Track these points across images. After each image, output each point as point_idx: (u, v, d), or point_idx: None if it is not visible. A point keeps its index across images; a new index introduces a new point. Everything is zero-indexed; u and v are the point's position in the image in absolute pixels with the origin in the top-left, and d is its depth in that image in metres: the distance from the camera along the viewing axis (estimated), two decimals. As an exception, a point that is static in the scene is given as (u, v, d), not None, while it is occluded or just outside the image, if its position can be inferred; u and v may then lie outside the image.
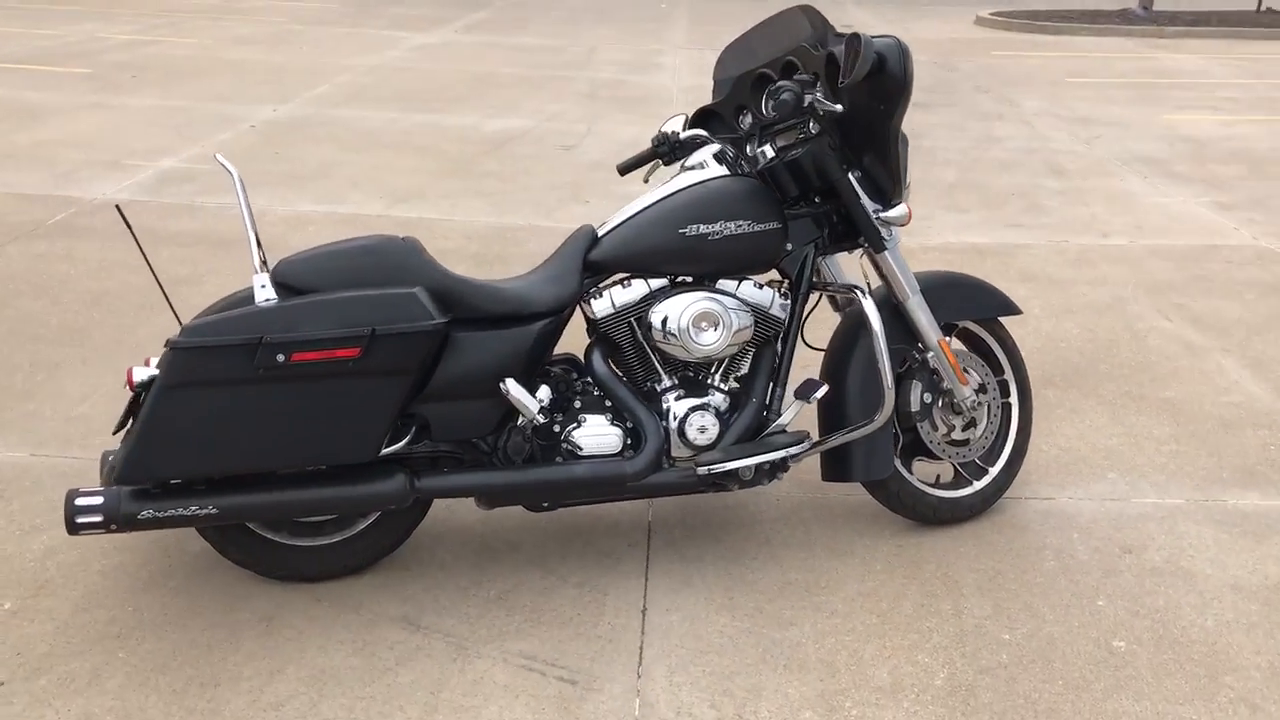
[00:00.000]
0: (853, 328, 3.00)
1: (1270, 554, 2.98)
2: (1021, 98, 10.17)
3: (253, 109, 8.22)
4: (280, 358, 2.46)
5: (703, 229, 2.78)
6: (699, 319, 2.77)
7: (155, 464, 2.48)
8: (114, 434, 2.76)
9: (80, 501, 2.52)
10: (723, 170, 2.88)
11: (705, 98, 8.71)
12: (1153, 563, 2.93)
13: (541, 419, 2.72)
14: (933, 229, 5.91)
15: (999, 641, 2.61)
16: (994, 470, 3.15)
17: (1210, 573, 2.90)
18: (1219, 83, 11.24)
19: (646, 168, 3.20)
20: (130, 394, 2.90)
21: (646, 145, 3.50)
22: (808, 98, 2.74)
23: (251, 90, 8.95)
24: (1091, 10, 17.38)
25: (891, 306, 2.98)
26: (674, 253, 2.79)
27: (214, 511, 2.56)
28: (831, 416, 2.96)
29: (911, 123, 8.89)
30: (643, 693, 2.44)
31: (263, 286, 2.55)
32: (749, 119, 3.01)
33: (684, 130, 3.09)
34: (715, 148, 2.95)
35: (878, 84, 2.67)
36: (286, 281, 2.58)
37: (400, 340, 2.52)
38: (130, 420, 2.65)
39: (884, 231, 2.89)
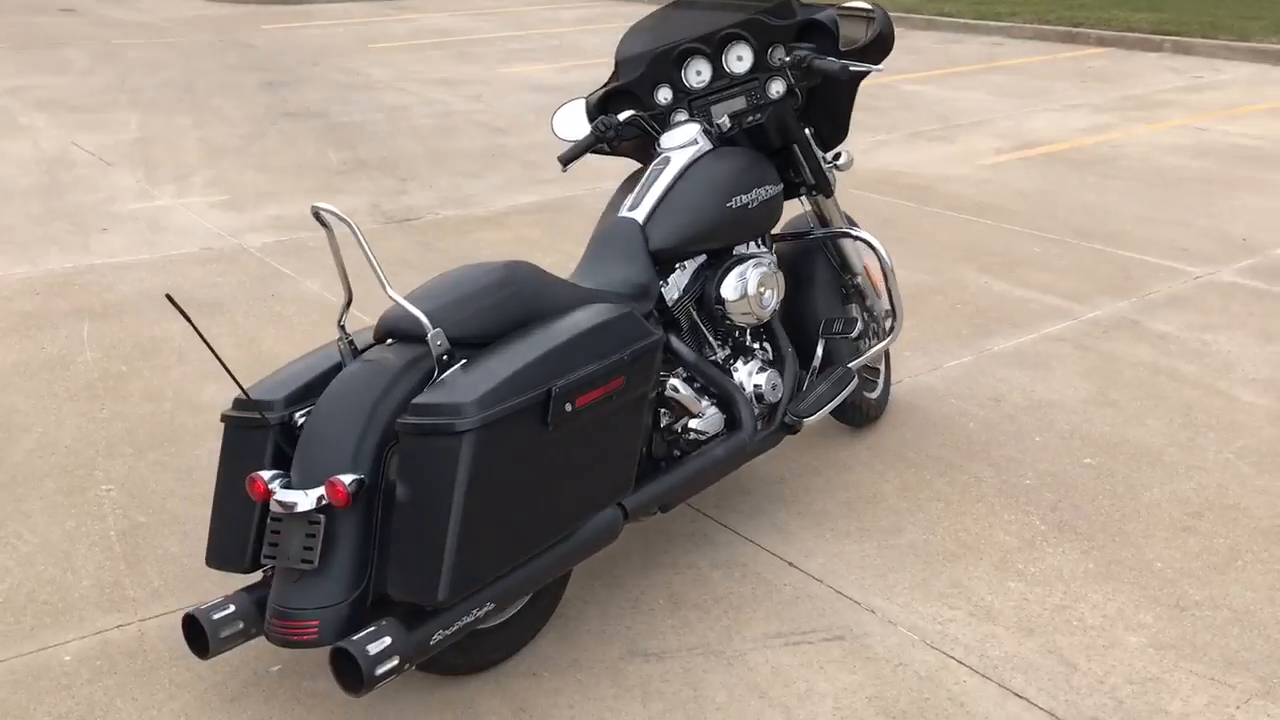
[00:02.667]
0: (805, 266, 3.28)
1: (1041, 375, 3.88)
2: (356, 66, 10.40)
3: None
4: (568, 407, 2.17)
5: (743, 199, 2.88)
6: (761, 283, 2.88)
7: (478, 569, 2.09)
8: (254, 569, 2.24)
9: (372, 649, 1.97)
10: (707, 144, 2.97)
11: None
12: (1018, 402, 3.66)
13: (696, 415, 2.72)
14: (486, 199, 6.11)
15: (1024, 485, 3.17)
16: (883, 370, 3.65)
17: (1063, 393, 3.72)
18: (497, 36, 12.43)
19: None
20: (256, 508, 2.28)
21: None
22: (799, 56, 2.94)
23: None
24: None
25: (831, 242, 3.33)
26: (724, 226, 2.86)
27: (490, 607, 2.16)
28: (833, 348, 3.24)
29: (304, 100, 8.75)
30: (896, 619, 2.58)
31: (439, 344, 2.20)
32: (666, 93, 3.09)
33: (621, 115, 3.07)
34: (698, 124, 3.01)
35: (873, 45, 2.99)
36: (457, 335, 2.25)
37: (646, 360, 2.37)
38: (268, 548, 2.11)
39: (831, 178, 3.21)
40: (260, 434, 2.28)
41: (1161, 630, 2.52)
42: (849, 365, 3.14)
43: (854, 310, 3.39)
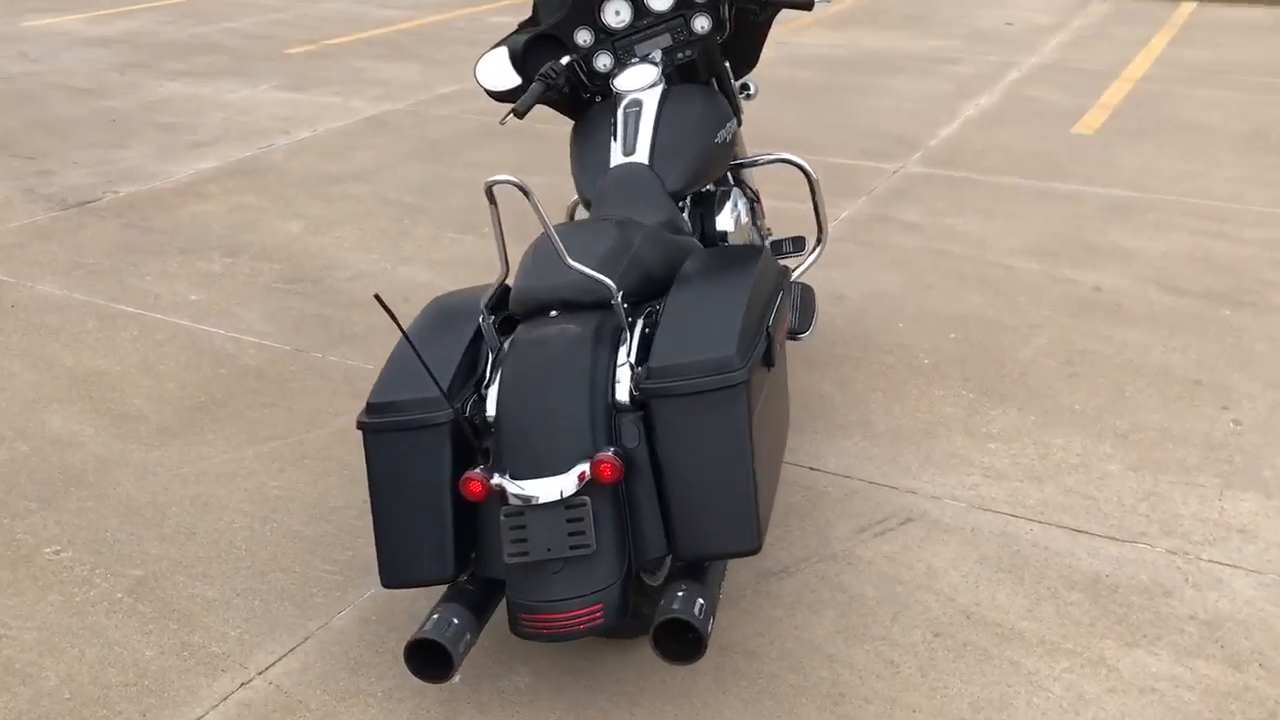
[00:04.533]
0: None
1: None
2: None
3: None
4: (778, 345, 2.25)
5: (723, 133, 2.98)
6: (750, 213, 3.01)
7: (766, 510, 2.16)
8: (459, 574, 2.13)
9: (700, 614, 1.95)
10: (663, 84, 3.02)
11: None
12: (857, 297, 4.09)
13: None
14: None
15: (926, 365, 3.60)
16: None
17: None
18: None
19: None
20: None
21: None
22: None
23: None
24: None
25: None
26: (716, 162, 2.96)
27: None
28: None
29: None
30: (938, 493, 2.91)
31: (626, 306, 2.21)
32: (586, 35, 3.10)
33: (563, 60, 3.02)
34: (655, 65, 3.03)
35: None
36: (629, 288, 2.24)
37: (787, 289, 2.46)
38: (512, 545, 2.02)
39: (741, 108, 3.38)
40: (431, 433, 2.12)
41: (1124, 456, 3.08)
42: (797, 280, 3.38)
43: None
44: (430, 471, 2.13)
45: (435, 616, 2.07)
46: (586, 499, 2.03)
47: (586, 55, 3.07)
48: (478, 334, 2.30)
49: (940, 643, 2.41)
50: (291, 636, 2.43)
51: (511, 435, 2.10)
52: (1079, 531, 2.77)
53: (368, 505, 2.82)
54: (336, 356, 3.67)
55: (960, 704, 2.24)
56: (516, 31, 3.18)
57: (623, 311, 2.21)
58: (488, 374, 2.24)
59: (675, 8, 3.09)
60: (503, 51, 3.13)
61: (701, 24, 3.11)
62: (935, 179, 5.29)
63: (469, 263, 4.40)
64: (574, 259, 2.26)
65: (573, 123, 3.10)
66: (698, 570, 2.10)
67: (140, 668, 2.34)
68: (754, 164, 3.45)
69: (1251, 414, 3.26)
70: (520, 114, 2.98)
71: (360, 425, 2.17)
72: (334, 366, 3.61)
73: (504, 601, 2.12)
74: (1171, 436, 3.16)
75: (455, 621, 2.07)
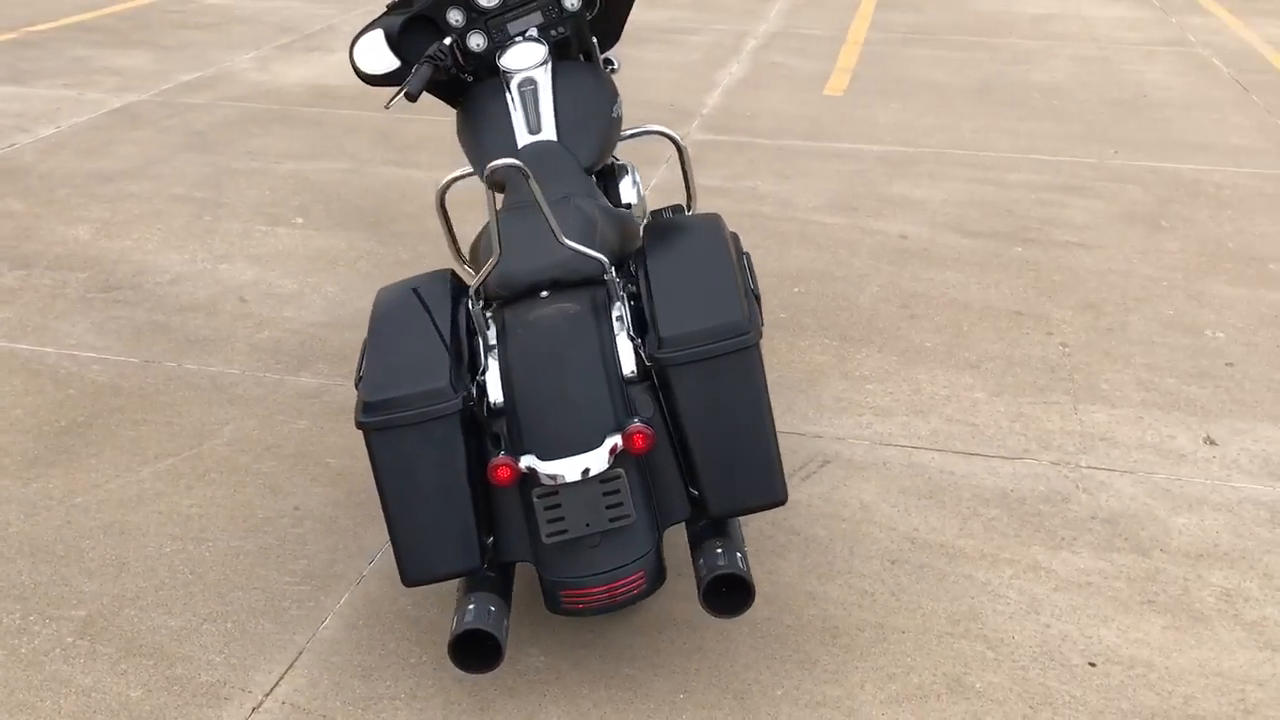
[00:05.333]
0: None
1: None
2: None
3: None
4: (759, 303, 2.38)
5: (616, 108, 3.04)
6: (639, 187, 3.09)
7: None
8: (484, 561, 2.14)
9: (745, 567, 2.05)
10: (550, 60, 3.04)
11: None
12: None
13: None
14: None
15: (783, 318, 3.80)
16: None
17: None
18: None
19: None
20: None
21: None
22: None
23: None
24: None
25: None
26: (614, 137, 3.01)
27: None
28: None
29: None
30: (841, 435, 3.12)
31: (619, 281, 2.31)
32: (457, 15, 3.08)
33: (446, 41, 2.99)
34: (542, 42, 3.03)
35: None
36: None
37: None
38: (550, 525, 2.06)
39: None
40: (441, 424, 2.11)
41: (984, 385, 3.41)
42: None
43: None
44: (445, 463, 2.11)
45: (472, 607, 2.07)
46: (621, 471, 2.09)
47: (460, 35, 3.06)
48: (454, 320, 2.28)
49: (899, 569, 2.62)
50: (283, 653, 2.33)
51: (531, 417, 2.12)
52: (973, 455, 3.07)
53: (299, 512, 2.75)
54: (194, 364, 3.47)
55: (939, 620, 2.46)
56: (387, 13, 3.11)
57: (617, 286, 2.26)
58: (484, 359, 2.23)
59: None
60: (378, 34, 3.06)
61: (572, 1, 3.15)
62: (722, 144, 5.53)
63: (292, 255, 4.24)
64: (549, 236, 2.29)
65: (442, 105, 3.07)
66: (722, 527, 2.20)
67: (131, 710, 2.19)
68: (628, 136, 3.54)
69: (1073, 336, 3.69)
70: (413, 97, 2.93)
71: (361, 425, 2.11)
72: (195, 375, 3.41)
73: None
74: (1015, 363, 3.53)
75: (492, 609, 2.08)
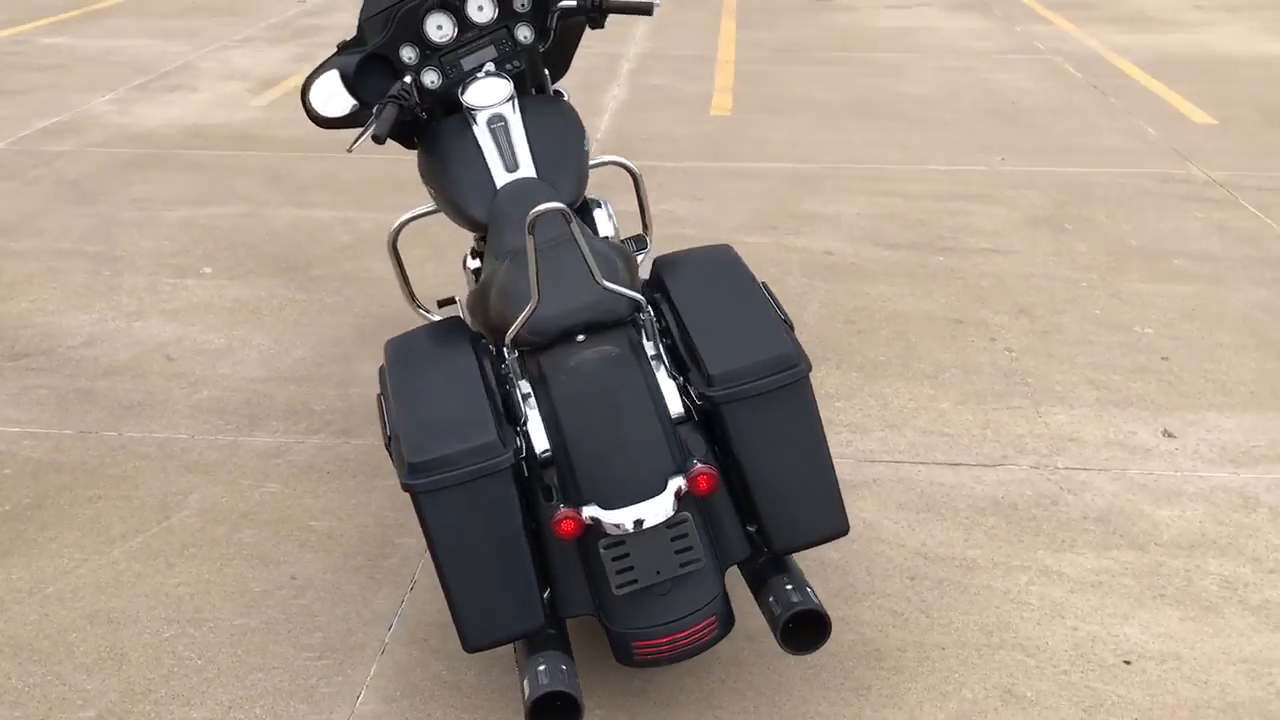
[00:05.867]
0: None
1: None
2: None
3: None
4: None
5: (585, 142, 2.98)
6: (614, 220, 3.04)
7: None
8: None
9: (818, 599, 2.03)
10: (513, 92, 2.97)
11: None
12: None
13: None
14: None
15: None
16: None
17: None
18: None
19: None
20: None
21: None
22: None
23: None
24: None
25: None
26: (586, 169, 2.94)
27: None
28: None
29: None
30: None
31: (654, 319, 2.30)
32: (410, 52, 2.99)
33: (407, 79, 2.89)
34: (506, 78, 2.95)
35: None
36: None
37: None
38: (619, 576, 2.00)
39: None
40: (494, 481, 2.03)
41: (946, 394, 3.48)
42: None
43: None
44: (501, 521, 2.03)
45: (542, 667, 2.00)
46: (688, 514, 2.04)
47: (415, 73, 2.97)
48: (482, 372, 2.20)
49: (920, 585, 2.64)
50: (325, 735, 2.20)
51: (588, 466, 2.06)
52: (956, 465, 3.12)
53: (297, 582, 2.61)
54: (135, 431, 3.25)
55: (973, 633, 2.49)
56: (339, 53, 2.99)
57: (654, 325, 2.21)
58: (522, 410, 2.15)
59: (498, 19, 3.05)
60: (334, 75, 2.94)
61: (525, 34, 3.09)
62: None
63: (210, 307, 4.03)
64: (576, 278, 2.24)
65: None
66: (782, 563, 2.17)
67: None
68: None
69: (1015, 341, 3.80)
70: (380, 138, 2.83)
71: (409, 489, 2.01)
72: (140, 443, 3.19)
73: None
74: (970, 371, 3.61)
75: (563, 668, 2.01)
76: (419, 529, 2.72)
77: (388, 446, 2.16)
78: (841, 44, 8.22)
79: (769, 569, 2.16)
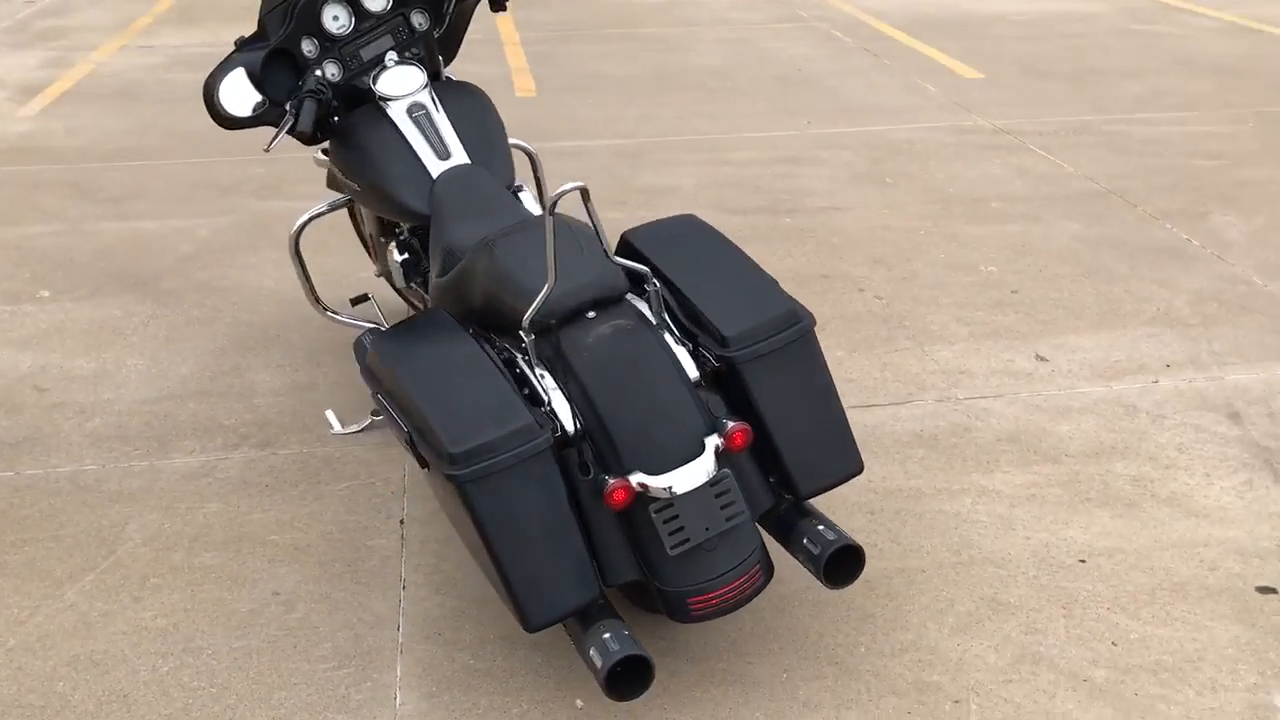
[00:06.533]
0: None
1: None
2: None
3: None
4: None
5: (503, 126, 2.98)
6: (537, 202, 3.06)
7: None
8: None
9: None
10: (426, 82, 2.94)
11: None
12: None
13: None
14: None
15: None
16: None
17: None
18: None
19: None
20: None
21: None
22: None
23: None
24: None
25: None
26: (510, 154, 2.94)
27: None
28: None
29: None
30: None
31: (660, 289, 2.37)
32: (310, 45, 2.93)
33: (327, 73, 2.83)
34: (416, 65, 2.90)
35: None
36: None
37: None
38: (673, 537, 2.08)
39: None
40: (538, 461, 2.06)
41: (838, 341, 3.69)
42: None
43: None
44: (549, 499, 2.06)
45: (608, 635, 2.04)
46: (729, 471, 2.13)
47: (317, 66, 2.90)
48: (490, 355, 2.21)
49: (881, 517, 2.83)
50: (376, 741, 2.16)
51: (628, 435, 2.11)
52: (870, 406, 3.33)
53: (282, 597, 2.54)
54: (34, 469, 3.02)
55: (944, 554, 2.69)
56: (240, 50, 2.88)
57: (659, 294, 2.28)
58: (545, 389, 2.18)
59: (393, 7, 3.02)
60: (240, 73, 2.84)
61: (419, 21, 3.07)
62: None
63: (63, 332, 3.76)
64: (571, 257, 2.28)
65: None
66: (804, 509, 2.29)
67: (252, 843, 1.94)
68: None
69: (880, 288, 4.06)
70: (306, 135, 2.78)
71: (454, 478, 2.01)
72: (46, 480, 2.98)
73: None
74: (852, 319, 3.84)
75: (626, 633, 2.06)
76: (402, 529, 2.70)
77: (408, 444, 2.14)
78: (618, 20, 8.37)
79: (794, 515, 2.28)
